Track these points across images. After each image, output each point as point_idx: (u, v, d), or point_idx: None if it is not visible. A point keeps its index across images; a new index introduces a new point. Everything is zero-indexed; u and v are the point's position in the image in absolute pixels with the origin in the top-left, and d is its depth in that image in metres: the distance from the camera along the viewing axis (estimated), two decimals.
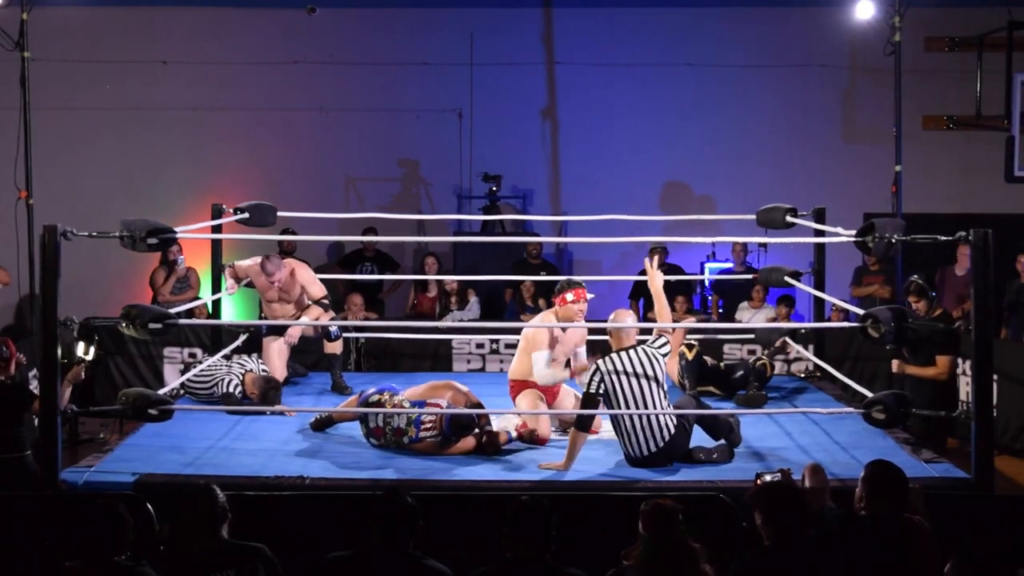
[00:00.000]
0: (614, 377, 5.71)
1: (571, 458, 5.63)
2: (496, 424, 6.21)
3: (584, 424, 5.68)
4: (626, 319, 6.02)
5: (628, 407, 5.67)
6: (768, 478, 5.09)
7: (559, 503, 4.12)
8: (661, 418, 5.69)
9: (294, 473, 5.40)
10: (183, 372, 7.78)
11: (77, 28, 10.81)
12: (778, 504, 3.90)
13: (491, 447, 5.97)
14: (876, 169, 10.03)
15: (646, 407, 5.67)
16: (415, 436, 5.93)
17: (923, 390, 6.22)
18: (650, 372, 5.76)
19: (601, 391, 5.70)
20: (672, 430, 5.70)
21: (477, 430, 6.00)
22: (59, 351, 5.35)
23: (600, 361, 5.77)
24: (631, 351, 5.81)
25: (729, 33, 11.16)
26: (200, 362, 7.41)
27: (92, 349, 6.01)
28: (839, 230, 6.32)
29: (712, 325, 9.19)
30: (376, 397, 6.18)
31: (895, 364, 6.49)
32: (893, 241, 5.66)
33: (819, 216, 7.68)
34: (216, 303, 8.45)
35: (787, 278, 7.87)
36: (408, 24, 11.26)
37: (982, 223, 5.57)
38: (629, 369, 5.72)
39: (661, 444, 5.69)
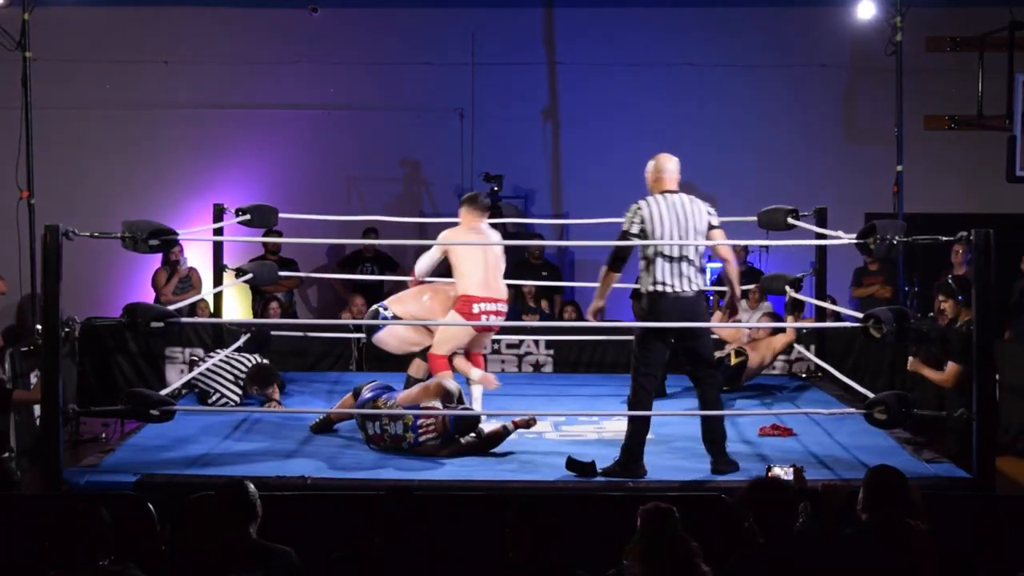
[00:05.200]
0: (655, 213, 5.60)
1: (600, 293, 5.72)
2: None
3: (616, 266, 5.65)
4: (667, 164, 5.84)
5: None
6: (778, 470, 5.11)
7: (559, 503, 4.13)
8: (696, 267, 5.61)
9: (296, 473, 5.41)
10: (184, 372, 7.79)
11: (79, 28, 10.80)
12: (766, 502, 3.90)
13: (490, 443, 6.01)
14: (877, 169, 10.02)
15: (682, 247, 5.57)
16: (413, 441, 5.93)
17: (965, 394, 6.10)
18: (694, 221, 5.63)
19: (635, 231, 5.60)
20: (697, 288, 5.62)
21: (474, 434, 6.02)
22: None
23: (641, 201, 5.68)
24: (671, 195, 5.70)
25: (730, 33, 11.15)
26: (205, 360, 7.42)
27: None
28: (840, 233, 6.32)
29: (711, 325, 9.16)
30: (371, 401, 6.18)
31: (911, 362, 6.47)
32: (894, 243, 5.66)
33: (820, 217, 7.68)
34: (218, 302, 8.46)
35: (787, 287, 7.86)
36: (409, 24, 11.26)
37: (983, 223, 5.56)
38: (669, 209, 5.63)
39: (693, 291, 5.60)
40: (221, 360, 7.26)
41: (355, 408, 6.24)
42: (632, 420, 5.59)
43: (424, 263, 6.86)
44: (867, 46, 10.34)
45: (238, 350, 7.52)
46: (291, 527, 4.64)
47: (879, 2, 9.47)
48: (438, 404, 6.11)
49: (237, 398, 7.17)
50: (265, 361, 7.43)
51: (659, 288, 5.57)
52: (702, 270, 5.70)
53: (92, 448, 6.61)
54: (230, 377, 7.18)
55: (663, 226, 5.58)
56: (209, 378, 7.17)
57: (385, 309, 6.86)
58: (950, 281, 6.47)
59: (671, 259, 5.57)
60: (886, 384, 7.53)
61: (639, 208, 5.62)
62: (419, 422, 5.95)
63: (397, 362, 8.72)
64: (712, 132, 11.09)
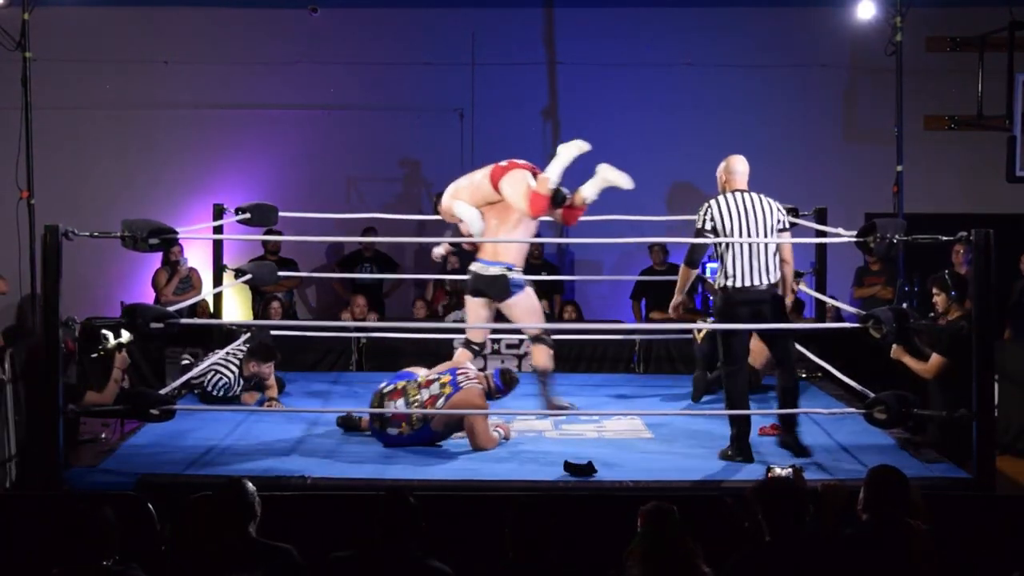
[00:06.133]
0: (723, 210, 5.79)
1: (679, 289, 6.07)
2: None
3: (693, 262, 5.90)
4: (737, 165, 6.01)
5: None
6: (778, 471, 5.12)
7: (559, 503, 4.13)
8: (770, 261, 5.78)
9: (296, 473, 5.40)
10: (184, 372, 7.79)
11: (78, 28, 10.80)
12: (778, 500, 3.91)
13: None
14: (877, 169, 10.02)
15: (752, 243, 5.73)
16: (453, 390, 5.97)
17: (948, 389, 6.20)
18: (763, 218, 5.81)
19: (708, 227, 5.78)
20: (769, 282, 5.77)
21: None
22: (61, 349, 5.35)
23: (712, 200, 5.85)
24: (741, 193, 5.87)
25: (730, 33, 11.15)
26: (201, 360, 7.43)
27: (124, 332, 6.06)
28: (840, 230, 6.32)
29: (712, 326, 9.17)
30: (391, 387, 6.16)
31: (894, 349, 6.52)
32: (895, 241, 5.66)
33: (820, 216, 7.68)
34: (218, 302, 8.46)
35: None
36: (409, 24, 11.26)
37: (984, 223, 5.56)
38: (737, 206, 5.81)
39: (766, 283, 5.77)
40: (217, 356, 7.29)
41: (374, 397, 6.20)
42: (732, 422, 5.78)
43: (476, 225, 6.73)
44: (867, 46, 10.34)
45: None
46: (291, 527, 4.64)
47: (879, 2, 9.47)
48: (470, 365, 6.22)
49: (232, 376, 7.14)
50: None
51: (730, 282, 5.79)
52: (775, 265, 5.88)
53: (92, 448, 6.60)
54: (224, 359, 7.19)
55: (732, 222, 5.79)
56: (207, 368, 7.18)
57: (511, 269, 6.66)
58: (946, 276, 6.50)
59: (741, 254, 5.77)
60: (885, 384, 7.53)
61: (708, 207, 5.86)
62: (458, 376, 6.02)
63: (396, 362, 8.74)
64: (712, 132, 11.07)
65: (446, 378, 6.08)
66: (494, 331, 8.67)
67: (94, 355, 7.05)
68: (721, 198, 5.89)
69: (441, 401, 5.96)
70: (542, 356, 6.77)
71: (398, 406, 6.01)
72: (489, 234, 6.68)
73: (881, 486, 4.13)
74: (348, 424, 6.42)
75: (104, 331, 6.03)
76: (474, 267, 6.71)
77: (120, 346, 6.27)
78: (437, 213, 7.26)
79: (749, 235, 5.78)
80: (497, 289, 6.61)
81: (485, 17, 11.21)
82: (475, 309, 6.75)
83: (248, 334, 7.80)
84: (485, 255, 6.69)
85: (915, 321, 5.76)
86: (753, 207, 5.84)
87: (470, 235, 6.80)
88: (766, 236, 5.81)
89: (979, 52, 10.34)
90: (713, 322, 6.29)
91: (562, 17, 11.29)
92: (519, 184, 6.56)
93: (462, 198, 6.79)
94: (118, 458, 5.75)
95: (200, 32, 11.13)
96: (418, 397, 6.01)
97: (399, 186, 11.36)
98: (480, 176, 6.75)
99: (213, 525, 3.99)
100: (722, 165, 6.06)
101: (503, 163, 6.76)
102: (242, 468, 5.52)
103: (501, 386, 6.16)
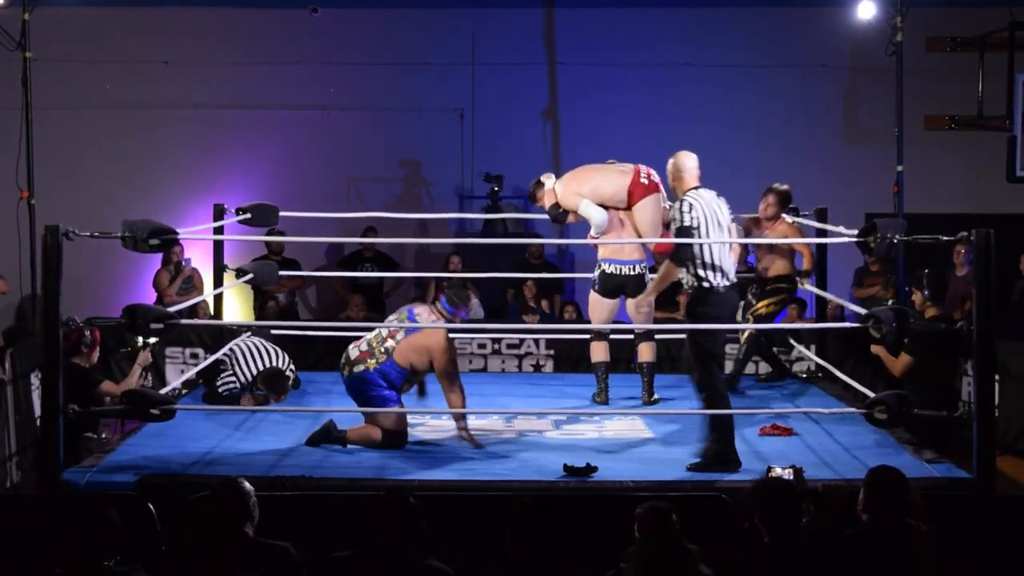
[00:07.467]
0: (703, 208, 5.68)
1: (657, 286, 6.03)
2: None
3: (680, 259, 5.69)
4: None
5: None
6: (778, 471, 5.12)
7: (559, 503, 4.13)
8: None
9: (297, 473, 5.40)
10: (184, 372, 7.80)
11: (79, 28, 10.82)
12: (775, 500, 3.92)
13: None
14: (877, 169, 10.03)
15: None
16: (410, 326, 5.98)
17: (919, 387, 6.24)
18: (724, 215, 5.81)
19: (695, 224, 5.65)
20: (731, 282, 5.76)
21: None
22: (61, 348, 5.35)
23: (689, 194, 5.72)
24: (704, 190, 5.79)
25: (730, 33, 11.16)
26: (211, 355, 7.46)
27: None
28: (841, 229, 6.33)
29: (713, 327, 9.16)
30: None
31: (873, 345, 6.54)
32: (895, 241, 5.66)
33: (820, 216, 7.69)
34: (219, 303, 8.46)
35: (796, 279, 7.86)
36: (409, 24, 11.27)
37: (984, 223, 5.56)
38: (708, 204, 5.73)
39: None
40: (254, 341, 7.30)
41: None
42: (713, 424, 5.62)
43: (601, 228, 7.12)
44: (867, 46, 10.34)
45: (273, 339, 7.55)
46: (291, 527, 4.64)
47: (879, 2, 9.47)
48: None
49: (246, 384, 7.14)
50: (289, 372, 7.37)
51: (721, 280, 5.69)
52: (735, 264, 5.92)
53: (92, 448, 6.60)
54: (249, 360, 7.18)
55: (707, 221, 5.69)
56: (234, 355, 7.17)
57: (641, 267, 7.13)
58: (924, 275, 6.51)
59: (716, 254, 5.70)
60: (885, 384, 7.54)
61: (691, 204, 5.68)
62: (414, 311, 6.07)
63: None
64: (712, 132, 11.07)
65: (403, 314, 6.09)
66: (493, 331, 8.74)
67: (123, 350, 7.13)
68: (696, 195, 5.70)
69: (400, 335, 5.98)
70: (649, 351, 7.26)
71: (360, 346, 6.07)
72: (611, 233, 7.14)
73: (881, 486, 4.14)
74: (327, 436, 6.23)
75: (139, 338, 6.13)
76: (608, 268, 7.15)
77: (146, 345, 6.36)
78: (535, 200, 7.39)
79: (722, 233, 5.71)
80: (635, 285, 7.11)
81: (485, 17, 11.22)
82: (603, 305, 7.27)
83: (248, 333, 7.80)
84: (613, 255, 7.13)
85: (916, 321, 5.77)
86: (716, 205, 5.74)
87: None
88: (729, 234, 5.87)
89: (979, 52, 10.34)
90: (687, 322, 6.17)
91: (562, 17, 11.30)
92: (657, 217, 7.01)
93: (585, 195, 7.07)
94: (118, 458, 5.74)
95: (200, 32, 11.13)
96: (380, 334, 6.04)
97: (399, 186, 11.36)
98: (621, 182, 7.03)
99: (212, 525, 3.99)
100: (671, 163, 5.84)
101: (643, 177, 7.02)
102: (242, 468, 5.52)
103: (452, 310, 6.08)
